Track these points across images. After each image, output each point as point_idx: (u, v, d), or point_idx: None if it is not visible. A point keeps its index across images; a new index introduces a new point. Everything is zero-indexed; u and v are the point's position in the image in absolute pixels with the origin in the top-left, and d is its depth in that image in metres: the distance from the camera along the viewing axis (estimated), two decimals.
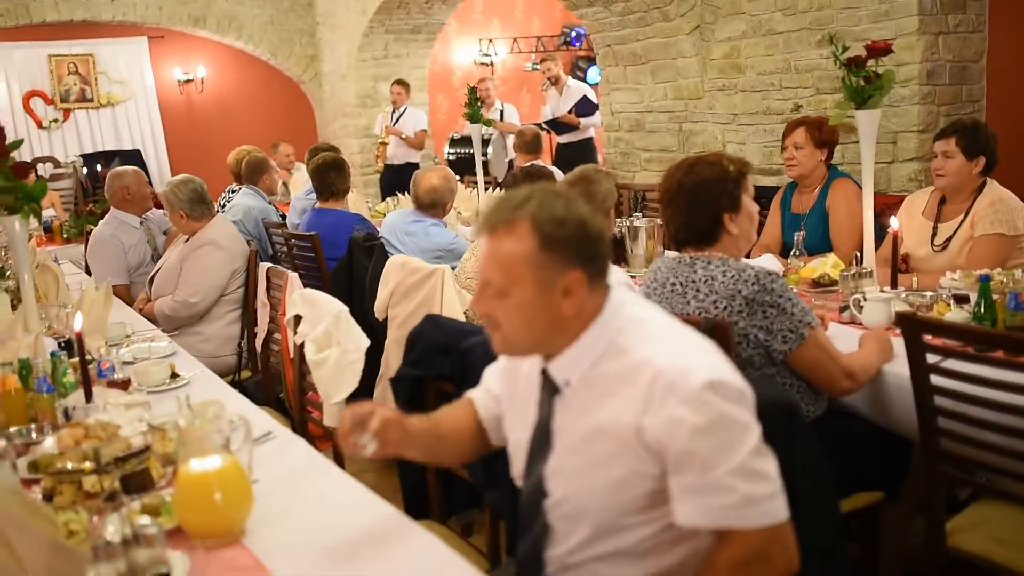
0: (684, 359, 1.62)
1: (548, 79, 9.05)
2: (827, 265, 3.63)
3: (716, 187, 2.45)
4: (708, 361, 1.63)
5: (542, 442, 1.75)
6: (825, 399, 2.64)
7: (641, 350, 1.64)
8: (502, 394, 1.94)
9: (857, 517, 2.64)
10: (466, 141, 9.93)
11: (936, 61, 4.68)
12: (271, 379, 4.12)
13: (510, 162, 9.55)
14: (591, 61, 11.76)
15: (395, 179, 9.16)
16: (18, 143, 2.81)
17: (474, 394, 2.04)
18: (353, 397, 2.99)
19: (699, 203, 2.47)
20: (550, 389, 1.74)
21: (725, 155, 2.52)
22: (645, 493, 1.63)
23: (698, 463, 1.55)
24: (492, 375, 2.00)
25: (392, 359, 3.83)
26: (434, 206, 4.73)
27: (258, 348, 4.24)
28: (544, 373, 1.75)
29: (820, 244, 4.00)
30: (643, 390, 1.60)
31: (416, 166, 9.79)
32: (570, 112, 8.72)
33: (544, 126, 9.08)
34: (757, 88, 5.68)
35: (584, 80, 10.35)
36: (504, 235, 1.64)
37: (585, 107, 8.71)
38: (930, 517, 2.41)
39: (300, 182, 8.83)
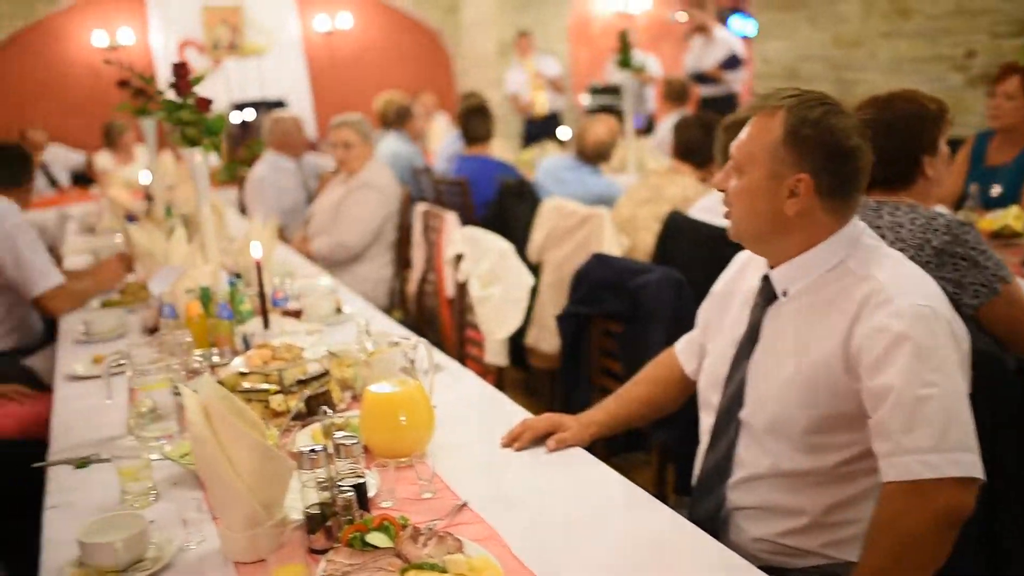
0: (910, 284, 1.60)
1: (696, 28, 8.75)
2: (1009, 216, 3.41)
3: (915, 124, 2.28)
4: (935, 295, 1.60)
5: (749, 345, 1.76)
6: (1013, 360, 2.48)
7: (868, 271, 1.63)
8: (711, 315, 1.96)
9: None
10: (607, 90, 9.80)
11: None
12: (424, 320, 4.19)
13: (648, 115, 9.39)
14: (734, 10, 11.37)
15: (539, 130, 9.16)
16: (200, 78, 2.89)
17: (679, 345, 2.09)
18: (510, 339, 3.01)
19: (897, 140, 2.28)
20: (767, 295, 1.76)
21: (921, 92, 2.35)
22: (834, 414, 1.63)
23: (893, 380, 1.50)
24: (705, 304, 2.02)
25: (547, 302, 3.83)
26: (597, 158, 4.85)
27: (413, 289, 4.32)
28: (766, 279, 1.76)
29: (1013, 200, 3.70)
30: (858, 302, 1.60)
31: (556, 118, 9.74)
32: (717, 67, 8.47)
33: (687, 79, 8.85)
34: (924, 33, 5.37)
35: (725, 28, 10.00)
36: (763, 118, 1.69)
37: (731, 61, 8.43)
38: None
39: (439, 131, 8.94)
